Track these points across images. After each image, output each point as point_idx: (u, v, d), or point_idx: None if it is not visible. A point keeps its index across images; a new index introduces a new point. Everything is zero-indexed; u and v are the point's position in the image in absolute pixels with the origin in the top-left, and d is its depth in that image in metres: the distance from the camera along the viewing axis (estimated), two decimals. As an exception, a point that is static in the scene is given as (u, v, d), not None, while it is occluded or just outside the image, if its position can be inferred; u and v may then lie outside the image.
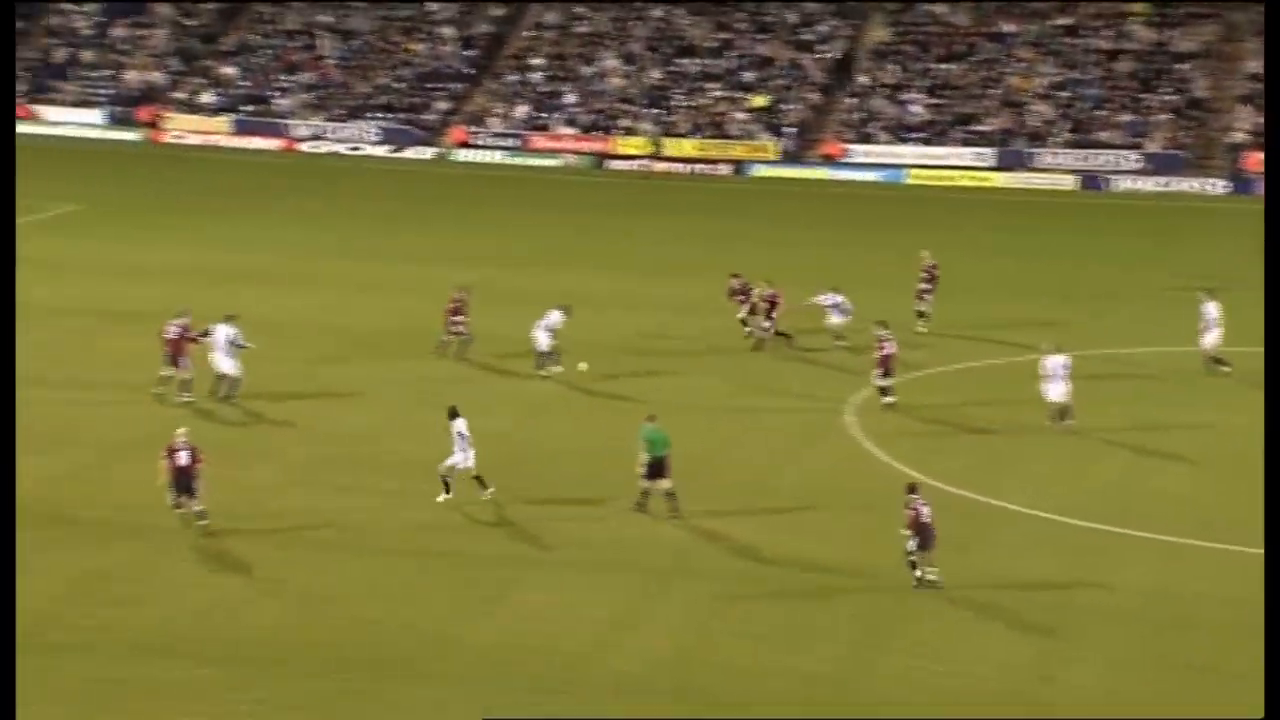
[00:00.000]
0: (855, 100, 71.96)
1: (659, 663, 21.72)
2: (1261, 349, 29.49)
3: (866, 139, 69.78)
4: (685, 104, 72.73)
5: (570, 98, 74.17)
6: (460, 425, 27.16)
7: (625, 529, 26.50)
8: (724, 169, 69.07)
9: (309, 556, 25.02)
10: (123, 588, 23.68)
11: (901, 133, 69.76)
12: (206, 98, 76.30)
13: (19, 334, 37.64)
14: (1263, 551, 21.14)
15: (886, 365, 33.26)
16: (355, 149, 72.57)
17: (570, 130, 72.45)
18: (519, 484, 28.40)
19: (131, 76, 78.02)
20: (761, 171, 68.65)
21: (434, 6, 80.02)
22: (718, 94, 72.93)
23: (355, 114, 74.66)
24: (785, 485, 29.11)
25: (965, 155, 68.10)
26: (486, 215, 57.49)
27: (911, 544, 23.84)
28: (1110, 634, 22.97)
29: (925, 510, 23.93)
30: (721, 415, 33.22)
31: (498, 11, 79.58)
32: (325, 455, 30.04)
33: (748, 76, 73.52)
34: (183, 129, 74.62)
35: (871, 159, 68.85)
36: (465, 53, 77.64)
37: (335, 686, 20.76)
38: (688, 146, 70.35)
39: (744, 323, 38.50)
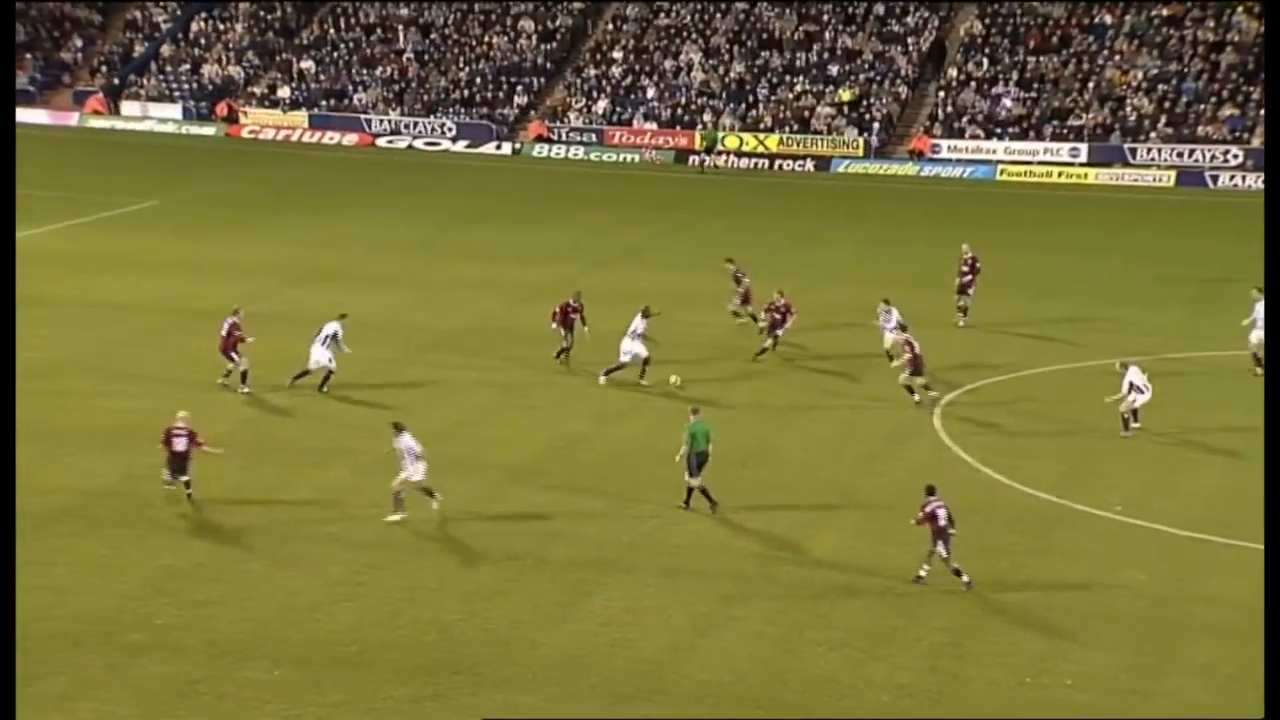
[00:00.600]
0: (944, 94, 71.46)
1: (739, 671, 21.74)
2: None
3: (956, 134, 69.30)
4: (769, 98, 72.65)
5: (651, 92, 74.32)
6: (407, 440, 26.62)
7: (705, 532, 26.55)
8: (808, 165, 68.88)
9: (386, 557, 25.31)
10: (201, 587, 24.08)
11: (992, 128, 69.18)
12: (284, 92, 77.27)
13: (96, 329, 38.47)
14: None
15: (916, 365, 33.20)
16: (433, 144, 73.22)
17: (651, 125, 72.59)
18: (598, 485, 28.55)
19: (210, 71, 79.21)
20: (847, 168, 68.39)
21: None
22: (802, 88, 72.76)
23: (433, 109, 75.32)
24: (871, 489, 29.02)
25: (1059, 151, 67.45)
26: (565, 212, 57.73)
27: (940, 549, 23.95)
28: (1208, 648, 22.68)
29: (943, 513, 24.02)
30: (806, 416, 33.18)
31: (578, 4, 79.92)
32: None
33: (833, 70, 73.28)
34: (260, 124, 75.69)
35: (961, 155, 68.40)
36: (544, 46, 78.03)
37: (412, 690, 20.98)
38: (771, 142, 70.26)
39: (736, 314, 38.75)
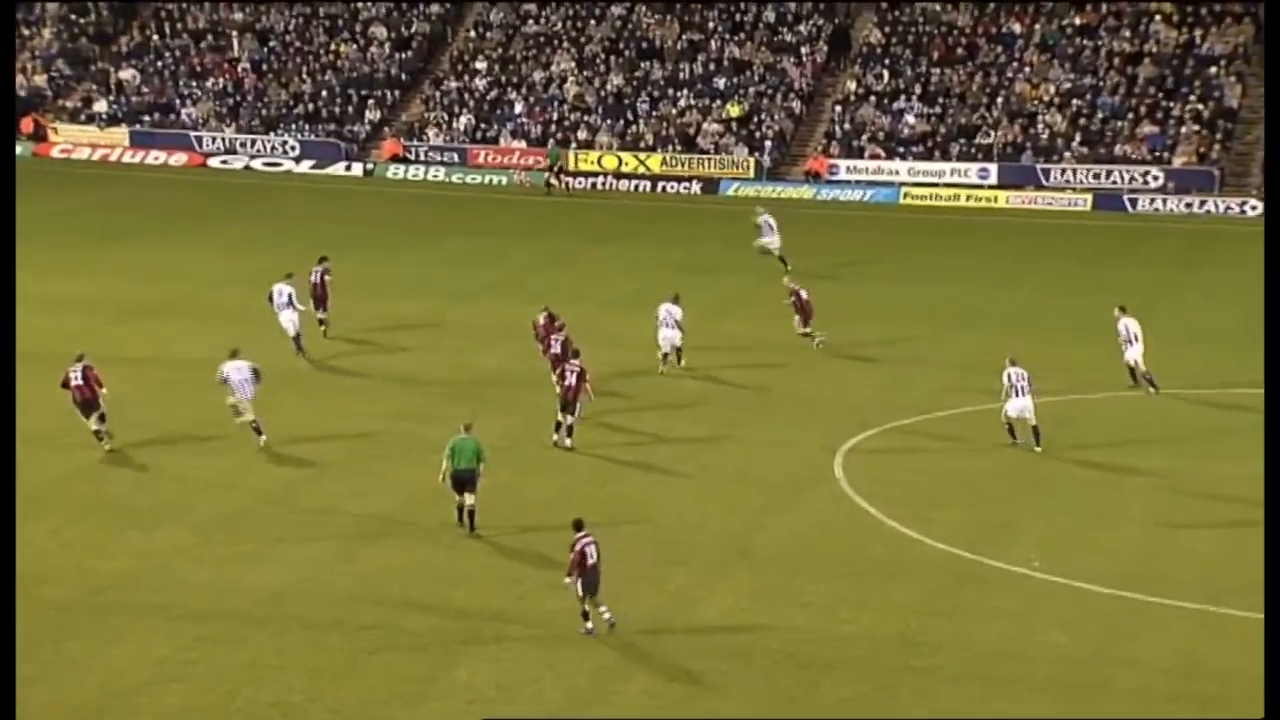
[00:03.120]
0: (841, 110, 72.66)
1: (622, 750, 21.82)
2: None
3: (855, 154, 70.43)
4: (650, 114, 73.28)
5: (519, 107, 74.61)
6: None
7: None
8: (694, 187, 69.57)
9: (220, 630, 25.01)
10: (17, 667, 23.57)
11: (894, 146, 70.43)
12: (101, 106, 76.28)
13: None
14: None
15: (567, 397, 33.88)
16: (273, 165, 72.68)
17: (519, 144, 72.84)
18: (463, 543, 28.48)
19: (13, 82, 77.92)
20: (737, 190, 69.18)
21: (363, 3, 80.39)
22: (687, 103, 73.51)
23: (273, 125, 74.81)
24: (766, 544, 29.29)
25: (967, 172, 68.83)
26: (426, 240, 57.65)
27: (577, 588, 24.72)
28: (1131, 714, 23.21)
29: (591, 550, 24.76)
30: (693, 464, 33.39)
31: (435, 9, 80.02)
32: (239, 512, 30.05)
33: (720, 83, 74.16)
34: (73, 142, 74.60)
35: (861, 176, 69.48)
36: (398, 55, 77.99)
37: (251, 780, 20.75)
38: (653, 162, 70.86)
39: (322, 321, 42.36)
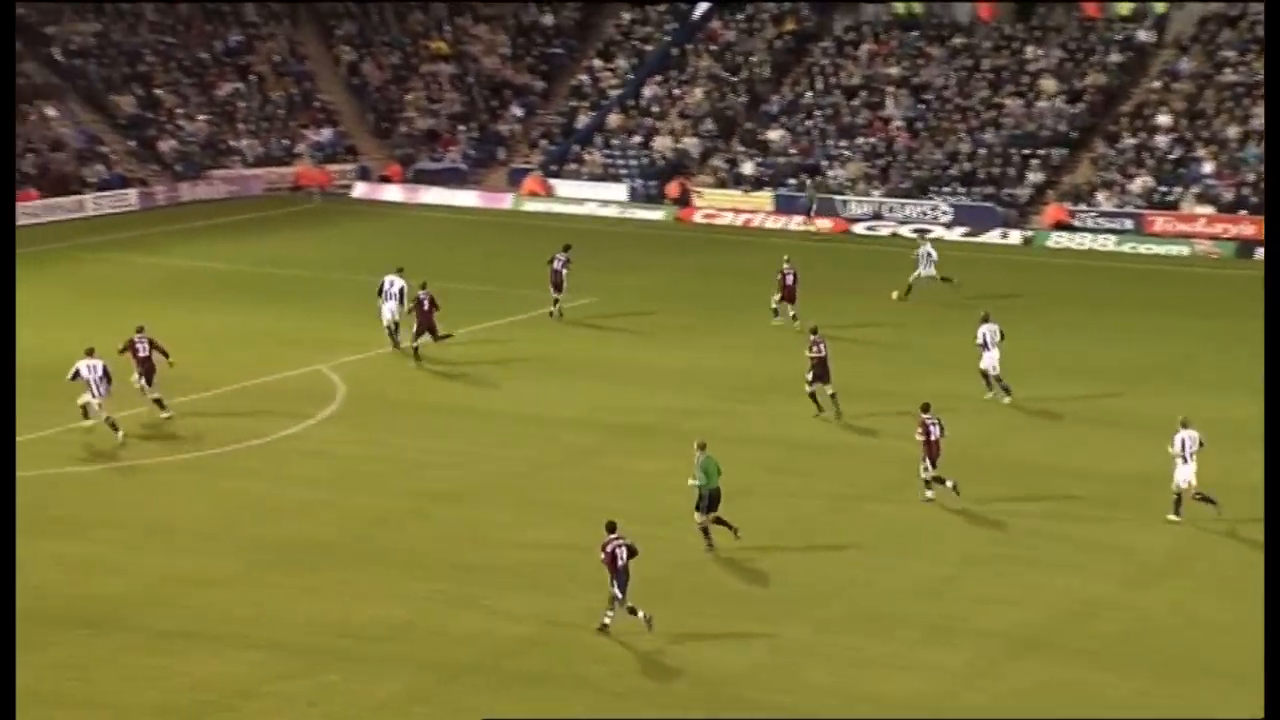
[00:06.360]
0: None
1: None
2: None
3: None
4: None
5: (1207, 167, 72.56)
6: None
7: None
8: None
9: None
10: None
11: None
12: (747, 168, 79.70)
13: (518, 447, 40.71)
14: None
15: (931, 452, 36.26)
16: (923, 231, 73.59)
17: (1205, 209, 70.82)
18: (1123, 660, 27.82)
19: (661, 144, 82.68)
20: None
21: (1033, 52, 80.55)
22: None
23: (924, 188, 75.95)
24: None
25: None
26: (1091, 318, 56.88)
27: (615, 589, 28.09)
28: None
29: (623, 552, 28.01)
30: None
31: (1115, 57, 79.12)
32: (868, 613, 30.51)
33: None
34: (716, 206, 78.24)
35: None
36: (1070, 109, 77.60)
37: None
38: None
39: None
